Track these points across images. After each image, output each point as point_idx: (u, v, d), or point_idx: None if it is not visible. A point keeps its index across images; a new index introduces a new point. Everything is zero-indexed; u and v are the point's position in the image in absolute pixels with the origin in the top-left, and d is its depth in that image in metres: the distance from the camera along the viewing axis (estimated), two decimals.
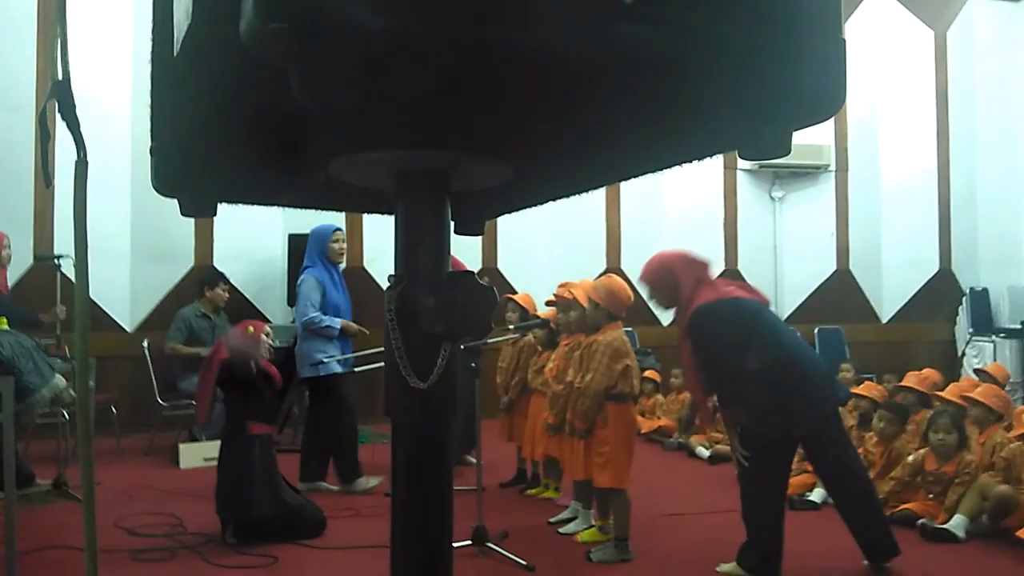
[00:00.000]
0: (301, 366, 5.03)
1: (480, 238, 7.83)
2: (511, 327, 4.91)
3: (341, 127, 0.87)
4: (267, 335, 4.28)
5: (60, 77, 0.95)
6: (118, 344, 6.90)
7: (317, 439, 5.18)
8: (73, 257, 0.99)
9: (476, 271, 8.24)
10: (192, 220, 7.36)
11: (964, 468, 4.33)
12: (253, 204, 1.30)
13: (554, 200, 1.24)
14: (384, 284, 0.98)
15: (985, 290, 9.52)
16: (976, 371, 7.08)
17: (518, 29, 0.63)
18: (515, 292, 6.83)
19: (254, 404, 4.13)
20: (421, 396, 0.94)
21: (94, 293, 6.96)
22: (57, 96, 0.94)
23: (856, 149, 9.48)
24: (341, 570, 3.69)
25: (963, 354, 9.22)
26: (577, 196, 1.21)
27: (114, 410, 6.26)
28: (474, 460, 5.13)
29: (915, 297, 9.55)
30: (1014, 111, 9.52)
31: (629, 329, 8.07)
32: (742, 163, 9.13)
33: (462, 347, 4.29)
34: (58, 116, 0.98)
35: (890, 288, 9.46)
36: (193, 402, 5.08)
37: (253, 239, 7.52)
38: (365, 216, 7.70)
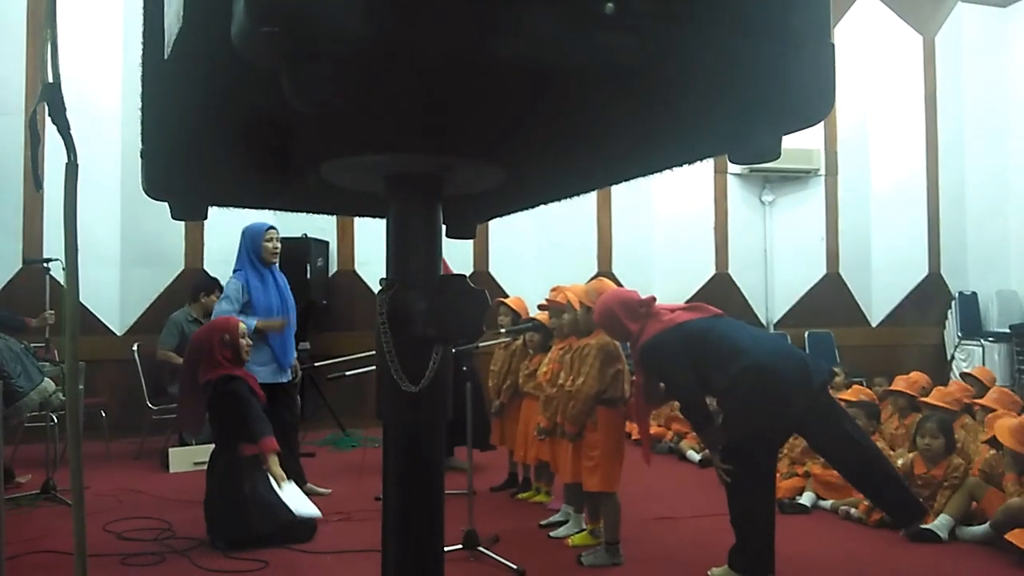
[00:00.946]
0: None
1: (471, 242, 7.85)
2: (502, 330, 4.91)
3: (332, 131, 0.87)
4: (243, 335, 4.26)
5: (50, 80, 0.94)
6: (107, 348, 6.87)
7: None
8: (62, 261, 0.99)
9: (467, 275, 8.26)
10: (182, 223, 7.34)
11: (952, 471, 4.35)
12: (244, 208, 1.29)
13: (545, 203, 1.24)
14: (376, 287, 0.98)
15: (974, 294, 9.58)
16: (963, 375, 7.12)
17: (501, 39, 0.63)
18: (507, 296, 6.84)
19: (239, 425, 4.11)
20: (413, 399, 0.94)
21: (83, 296, 6.92)
22: (47, 99, 0.93)
23: (846, 153, 9.53)
24: (331, 574, 3.68)
25: (952, 358, 9.28)
26: (568, 200, 1.21)
27: (103, 414, 6.23)
28: (460, 463, 5.12)
29: (904, 301, 9.60)
30: (1002, 115, 9.59)
31: None
32: (732, 167, 9.15)
33: (453, 351, 4.28)
34: (48, 119, 0.98)
35: (879, 292, 9.50)
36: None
37: None
38: (357, 219, 7.70)
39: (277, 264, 5.13)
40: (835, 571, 3.75)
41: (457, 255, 7.90)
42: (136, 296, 7.30)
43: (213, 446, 4.24)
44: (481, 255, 8.35)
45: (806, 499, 4.75)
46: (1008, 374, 8.59)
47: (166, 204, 1.18)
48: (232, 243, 7.40)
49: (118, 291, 7.22)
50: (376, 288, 0.99)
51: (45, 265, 5.67)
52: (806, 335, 9.01)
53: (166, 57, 0.83)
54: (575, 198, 1.20)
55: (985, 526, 4.11)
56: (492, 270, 8.38)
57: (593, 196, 8.71)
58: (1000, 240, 9.57)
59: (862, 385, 6.59)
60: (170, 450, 5.94)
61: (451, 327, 0.92)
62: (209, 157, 1.02)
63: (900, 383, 6.02)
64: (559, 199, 1.22)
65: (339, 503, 4.85)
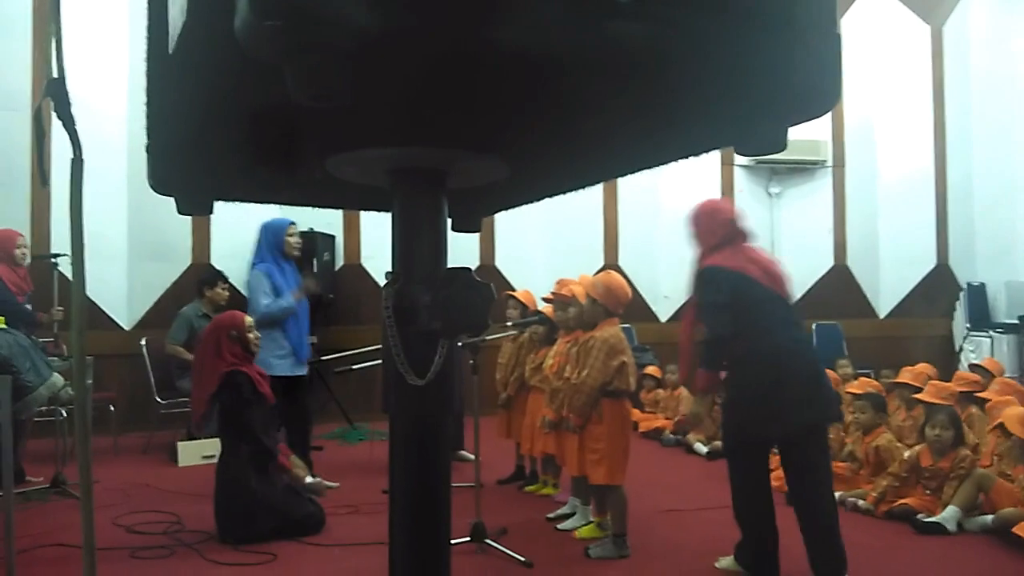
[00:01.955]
0: None
1: (478, 235, 7.85)
2: (508, 323, 4.91)
3: (337, 125, 0.87)
4: (250, 329, 4.27)
5: (55, 75, 0.94)
6: (115, 342, 6.90)
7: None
8: (70, 256, 0.99)
9: (473, 268, 8.27)
10: (189, 218, 7.36)
11: (960, 463, 4.35)
12: (250, 202, 1.30)
13: (551, 196, 1.24)
14: (382, 281, 0.98)
15: (982, 285, 9.53)
16: (971, 366, 7.10)
17: (510, 28, 0.63)
18: (513, 289, 6.84)
19: (245, 425, 4.12)
20: (419, 393, 0.94)
21: (91, 292, 6.95)
22: (52, 94, 0.93)
23: (853, 145, 9.49)
24: (339, 567, 3.69)
25: (960, 349, 9.24)
26: (574, 192, 1.21)
27: (112, 408, 6.27)
28: (468, 456, 5.13)
29: (912, 292, 9.57)
30: (1010, 105, 9.52)
31: (627, 326, 8.08)
32: (739, 159, 9.13)
33: (460, 344, 4.30)
34: (54, 115, 0.98)
35: (887, 284, 9.47)
36: (190, 400, 5.08)
37: (250, 237, 7.49)
38: (363, 213, 7.71)
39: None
40: None
41: (463, 249, 7.91)
42: (143, 291, 7.32)
43: (220, 441, 4.24)
44: (488, 249, 8.35)
45: None
46: (1017, 365, 8.55)
47: (172, 199, 1.18)
48: (239, 237, 7.45)
49: (126, 286, 7.25)
50: (382, 282, 0.99)
51: (53, 260, 5.69)
52: (814, 327, 8.99)
53: (170, 52, 0.83)
54: (581, 191, 1.20)
55: (992, 517, 4.11)
56: (498, 264, 8.38)
57: (599, 189, 8.70)
58: (1008, 231, 9.51)
59: (869, 377, 6.57)
60: (179, 444, 5.97)
61: (456, 321, 0.92)
62: (214, 152, 1.02)
63: (906, 375, 6.01)
64: (564, 192, 1.21)
65: (347, 496, 4.87)
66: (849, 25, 9.08)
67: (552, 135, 0.94)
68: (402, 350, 0.94)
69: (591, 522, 4.19)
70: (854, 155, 9.49)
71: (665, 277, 9.03)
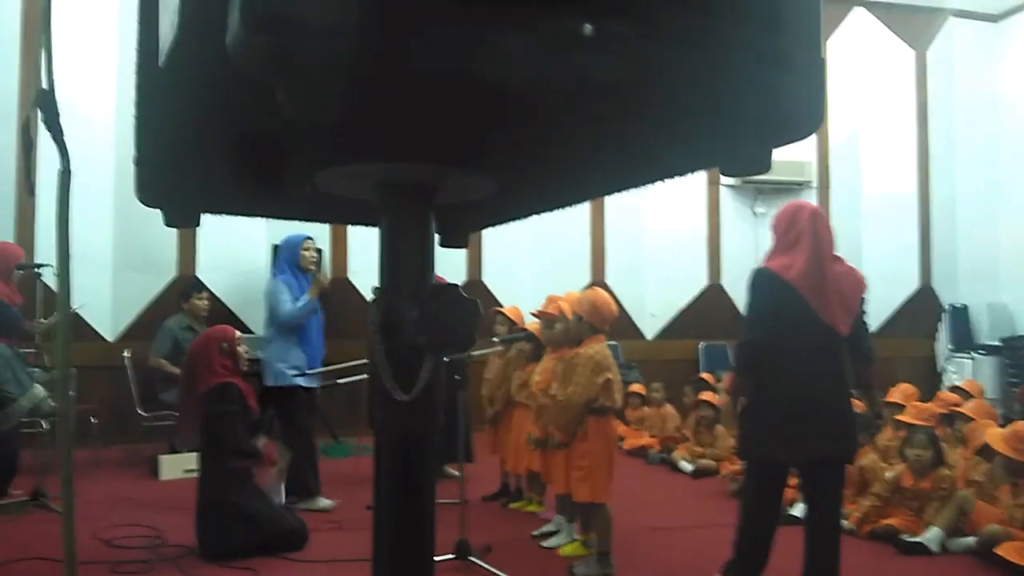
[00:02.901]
0: (266, 374, 4.99)
1: (465, 252, 7.84)
2: (495, 339, 4.91)
3: (325, 140, 0.87)
4: (240, 343, 4.25)
5: (44, 86, 0.95)
6: (98, 354, 6.84)
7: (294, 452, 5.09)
8: (55, 267, 0.99)
9: (461, 284, 8.20)
10: (175, 230, 7.33)
11: (940, 483, 4.37)
12: (238, 215, 1.30)
13: (538, 214, 1.25)
14: (368, 295, 0.98)
15: (965, 307, 9.62)
16: (952, 388, 7.15)
17: (482, 60, 0.64)
18: (500, 305, 6.84)
19: (232, 438, 4.09)
20: (404, 408, 0.94)
21: (76, 302, 6.91)
22: (41, 105, 0.94)
23: (837, 166, 9.58)
24: None
25: (943, 370, 9.30)
26: (561, 210, 1.21)
27: (93, 421, 6.21)
28: (455, 472, 5.11)
29: (896, 314, 9.63)
30: (994, 129, 9.65)
31: (614, 343, 8.10)
32: (725, 179, 9.19)
33: (447, 359, 4.29)
34: (41, 125, 0.98)
35: (871, 304, 9.49)
36: (174, 413, 5.05)
37: (236, 249, 7.49)
38: (350, 227, 7.70)
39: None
40: None
41: (451, 264, 7.91)
42: (128, 302, 7.28)
43: (199, 454, 4.20)
44: (475, 264, 8.36)
45: (798, 510, 4.74)
46: (999, 387, 8.61)
47: (159, 211, 1.18)
48: (224, 250, 7.44)
49: (110, 297, 7.20)
50: (369, 296, 0.99)
51: (37, 271, 5.65)
52: None
53: (161, 65, 0.83)
54: (568, 208, 1.21)
55: (975, 538, 4.13)
56: (486, 279, 8.38)
57: (587, 206, 8.74)
58: (991, 253, 9.61)
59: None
60: (160, 457, 5.92)
61: (442, 336, 0.92)
62: (203, 165, 1.02)
63: (895, 394, 6.05)
64: (551, 209, 1.22)
65: (331, 512, 4.84)
66: (834, 48, 9.19)
67: (538, 155, 0.95)
68: (388, 365, 0.94)
69: (576, 540, 4.18)
70: (839, 176, 9.58)
71: (651, 295, 9.06)
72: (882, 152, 9.57)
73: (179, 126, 0.92)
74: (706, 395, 6.78)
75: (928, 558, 4.10)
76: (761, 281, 3.36)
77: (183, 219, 1.20)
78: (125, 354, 6.58)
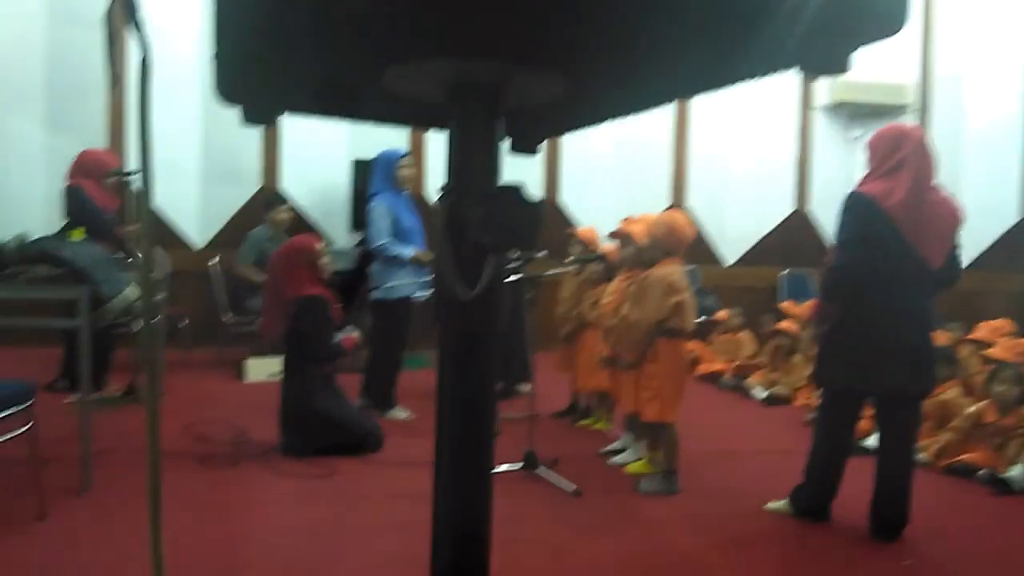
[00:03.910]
0: (373, 286, 5.11)
1: (543, 170, 7.76)
2: (567, 260, 4.90)
3: (395, 35, 0.87)
4: (321, 255, 4.34)
5: None
6: (188, 260, 7.13)
7: (381, 363, 5.25)
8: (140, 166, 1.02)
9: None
10: (259, 143, 7.48)
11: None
12: (312, 115, 1.31)
13: (610, 119, 1.22)
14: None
15: None
16: None
17: None
18: (576, 225, 6.80)
19: (319, 348, 4.24)
20: (467, 306, 0.95)
21: (165, 210, 7.17)
22: None
23: (939, 90, 9.06)
24: (394, 484, 3.80)
25: None
26: (633, 116, 1.18)
27: (184, 324, 6.52)
28: (527, 389, 5.20)
29: (992, 246, 9.21)
30: None
31: (693, 267, 8.00)
32: (819, 101, 8.82)
33: (521, 279, 4.32)
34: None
35: (966, 235, 9.01)
36: (258, 319, 5.24)
37: (318, 163, 7.62)
38: (431, 142, 7.72)
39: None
40: None
41: (528, 182, 7.86)
42: (215, 212, 7.51)
43: (284, 359, 4.37)
44: (552, 185, 8.30)
45: (873, 441, 4.67)
46: None
47: (239, 112, 1.20)
48: (306, 163, 7.57)
49: (199, 207, 7.45)
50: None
51: (126, 178, 5.85)
52: None
53: None
54: (648, 125, 1.18)
55: None
56: (563, 199, 8.32)
57: (670, 126, 8.52)
58: None
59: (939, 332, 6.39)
60: (247, 361, 6.18)
61: (505, 236, 0.92)
62: (279, 60, 1.03)
63: (982, 330, 5.83)
64: (625, 115, 1.19)
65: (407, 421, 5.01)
66: None
67: (610, 52, 0.92)
68: (452, 264, 0.95)
69: (642, 458, 4.22)
70: (940, 101, 9.07)
71: (733, 220, 8.87)
72: (987, 79, 9.01)
73: (255, 19, 0.93)
74: (784, 324, 6.67)
75: (1009, 497, 3.99)
76: (857, 206, 3.21)
77: (261, 116, 1.22)
78: (213, 261, 6.83)
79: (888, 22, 0.76)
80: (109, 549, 2.89)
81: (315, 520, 3.30)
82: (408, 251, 5.07)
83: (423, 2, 0.77)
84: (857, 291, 3.20)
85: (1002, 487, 4.03)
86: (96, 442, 3.61)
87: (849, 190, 3.35)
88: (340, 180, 7.53)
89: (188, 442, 4.31)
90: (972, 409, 4.50)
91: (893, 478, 3.33)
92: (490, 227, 0.92)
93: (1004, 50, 9.04)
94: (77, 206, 5.09)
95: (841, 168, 8.93)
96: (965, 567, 3.15)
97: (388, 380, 5.18)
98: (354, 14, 0.74)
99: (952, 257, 3.34)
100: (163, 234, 7.07)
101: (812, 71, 0.84)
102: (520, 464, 3.96)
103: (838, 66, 0.80)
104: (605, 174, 8.36)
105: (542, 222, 0.94)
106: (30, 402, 3.09)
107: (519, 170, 1.17)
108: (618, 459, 4.34)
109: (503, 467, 3.92)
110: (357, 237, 7.12)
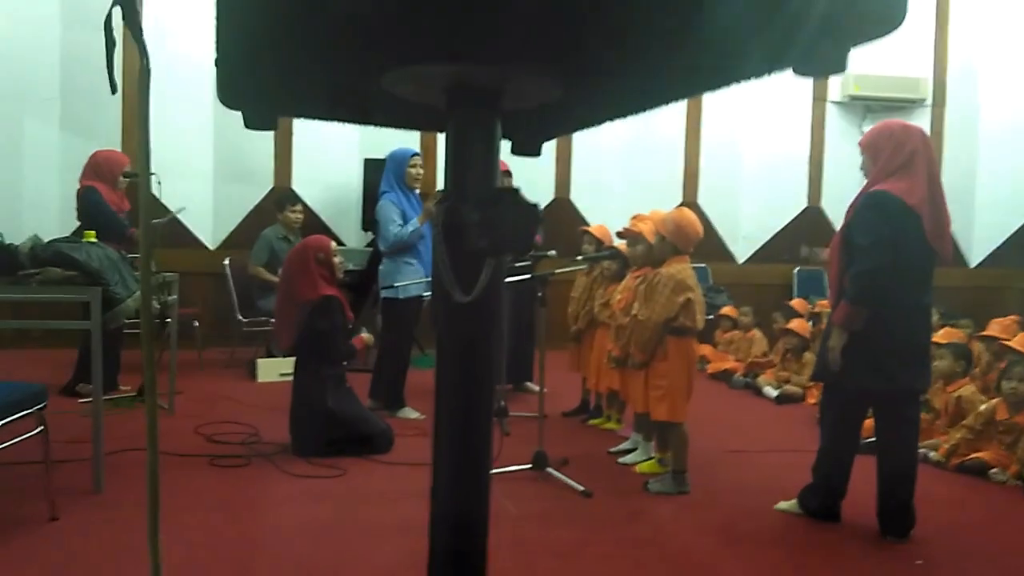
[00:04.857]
0: (382, 286, 5.12)
1: (554, 169, 7.77)
2: (579, 257, 4.90)
3: (393, 39, 0.87)
4: (335, 255, 4.36)
5: None
6: (201, 260, 7.17)
7: (389, 362, 5.27)
8: (157, 174, 1.03)
9: (549, 201, 8.12)
10: (272, 143, 7.51)
11: None
12: (313, 118, 1.31)
13: (610, 120, 1.21)
14: None
15: None
16: None
17: None
18: (588, 223, 6.79)
19: (333, 348, 4.27)
20: (465, 310, 0.95)
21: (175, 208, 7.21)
22: (120, 2, 0.95)
23: (955, 84, 8.98)
24: (404, 484, 3.82)
25: None
26: (637, 116, 1.17)
27: (196, 324, 6.56)
28: (535, 387, 5.20)
29: (1008, 241, 9.14)
30: None
31: (703, 265, 7.97)
32: (832, 95, 8.78)
33: (531, 276, 4.32)
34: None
35: (982, 230, 9.03)
36: (271, 319, 5.26)
37: (330, 163, 7.65)
38: (440, 144, 7.72)
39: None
40: None
41: (540, 182, 7.87)
42: (228, 212, 7.55)
43: (295, 359, 4.39)
44: (563, 183, 8.29)
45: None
46: None
47: (239, 113, 1.20)
48: (318, 163, 7.60)
49: (211, 206, 7.49)
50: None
51: (133, 179, 5.88)
52: None
53: None
54: (660, 121, 1.17)
55: None
56: (574, 197, 8.32)
57: (681, 124, 8.50)
58: None
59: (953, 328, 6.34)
60: (258, 361, 6.21)
61: (502, 239, 0.92)
62: (279, 65, 1.03)
63: (994, 327, 5.79)
64: (627, 115, 1.19)
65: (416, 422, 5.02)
66: None
67: (610, 52, 0.91)
68: (450, 267, 0.95)
69: (652, 458, 4.22)
70: (956, 94, 8.99)
71: (745, 217, 8.83)
72: (1002, 73, 8.92)
73: (257, 23, 0.93)
74: (795, 323, 6.64)
75: (1020, 493, 3.97)
76: (888, 206, 3.16)
77: (261, 121, 1.22)
78: (225, 262, 6.87)
79: (886, 19, 0.75)
80: (121, 550, 2.91)
81: (326, 520, 3.31)
82: (413, 225, 5.03)
83: (420, 4, 0.76)
84: (886, 293, 3.17)
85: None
86: (109, 443, 3.63)
87: (857, 189, 3.34)
88: (352, 180, 7.56)
89: (200, 442, 4.34)
90: (984, 407, 4.46)
91: (900, 476, 3.31)
92: (487, 230, 0.92)
93: (1019, 44, 8.95)
94: (90, 208, 5.13)
95: (855, 163, 8.86)
96: (977, 566, 3.13)
97: (397, 379, 5.19)
98: (353, 14, 0.74)
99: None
100: (176, 234, 7.12)
101: (809, 72, 0.83)
102: (530, 464, 3.96)
103: (835, 66, 0.79)
104: (617, 171, 8.35)
105: (538, 225, 0.94)
106: (43, 404, 3.12)
107: (531, 168, 1.17)
108: (628, 459, 4.34)
109: (513, 467, 3.92)
110: (368, 237, 7.15)
